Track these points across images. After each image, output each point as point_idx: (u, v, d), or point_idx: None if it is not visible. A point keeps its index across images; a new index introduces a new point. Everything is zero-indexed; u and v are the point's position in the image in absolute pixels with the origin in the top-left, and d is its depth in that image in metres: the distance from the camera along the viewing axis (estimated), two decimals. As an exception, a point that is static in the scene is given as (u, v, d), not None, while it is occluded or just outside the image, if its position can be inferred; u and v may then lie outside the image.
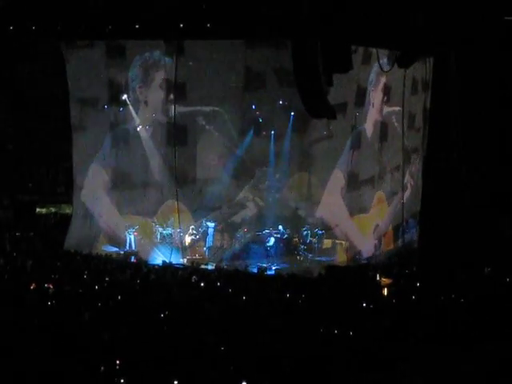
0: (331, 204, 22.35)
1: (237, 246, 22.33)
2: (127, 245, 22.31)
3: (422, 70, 22.99)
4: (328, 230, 22.36)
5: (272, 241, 21.85)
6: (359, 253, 22.54)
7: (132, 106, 22.49)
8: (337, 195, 22.44)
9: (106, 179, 22.88)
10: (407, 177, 23.74)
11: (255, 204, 23.10)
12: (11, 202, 23.94)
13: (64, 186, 24.87)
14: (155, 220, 22.54)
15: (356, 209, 22.71)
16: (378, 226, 22.93)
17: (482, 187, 21.03)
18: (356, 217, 22.74)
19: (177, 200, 22.20)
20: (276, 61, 20.75)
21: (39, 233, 23.38)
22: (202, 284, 16.51)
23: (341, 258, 22.26)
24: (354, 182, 22.56)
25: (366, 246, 22.71)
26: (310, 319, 12.03)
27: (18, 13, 19.60)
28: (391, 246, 23.07)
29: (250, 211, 22.97)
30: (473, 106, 20.76)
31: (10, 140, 23.35)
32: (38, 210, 25.53)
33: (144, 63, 22.12)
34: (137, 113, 22.60)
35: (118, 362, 9.46)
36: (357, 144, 22.51)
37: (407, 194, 23.73)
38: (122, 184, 22.77)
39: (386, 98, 22.64)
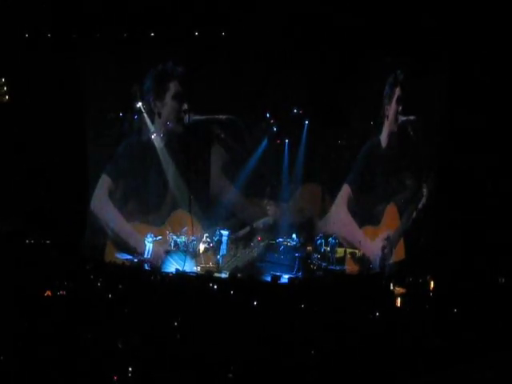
0: (338, 216, 22.71)
1: (250, 254, 22.42)
2: (145, 253, 22.24)
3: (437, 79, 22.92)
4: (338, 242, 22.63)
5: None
6: (372, 262, 22.55)
7: (147, 114, 22.57)
8: (343, 208, 22.62)
9: (116, 187, 22.77)
10: (423, 188, 23.58)
11: (269, 212, 23.18)
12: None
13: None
14: (168, 228, 22.60)
15: (366, 220, 22.81)
16: (388, 237, 22.87)
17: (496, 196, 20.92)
18: (366, 228, 22.85)
19: (190, 207, 22.30)
20: (289, 69, 20.80)
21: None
22: (216, 292, 16.50)
23: (354, 267, 22.31)
24: (365, 192, 22.64)
25: (377, 256, 22.66)
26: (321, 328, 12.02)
27: (34, 22, 19.76)
28: (403, 257, 22.96)
29: (264, 220, 23.06)
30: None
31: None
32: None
33: (158, 74, 22.17)
34: (151, 122, 22.68)
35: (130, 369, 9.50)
36: (371, 155, 22.58)
37: (422, 204, 23.58)
38: (135, 192, 22.70)
39: (400, 109, 22.59)
